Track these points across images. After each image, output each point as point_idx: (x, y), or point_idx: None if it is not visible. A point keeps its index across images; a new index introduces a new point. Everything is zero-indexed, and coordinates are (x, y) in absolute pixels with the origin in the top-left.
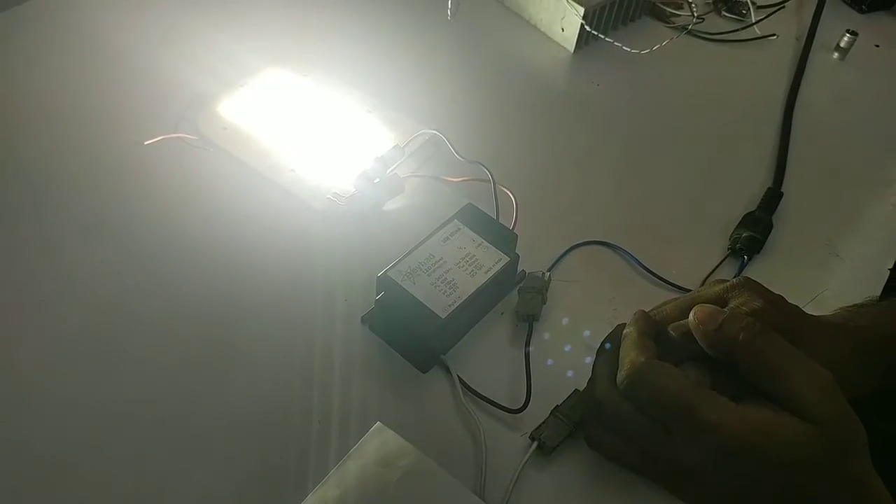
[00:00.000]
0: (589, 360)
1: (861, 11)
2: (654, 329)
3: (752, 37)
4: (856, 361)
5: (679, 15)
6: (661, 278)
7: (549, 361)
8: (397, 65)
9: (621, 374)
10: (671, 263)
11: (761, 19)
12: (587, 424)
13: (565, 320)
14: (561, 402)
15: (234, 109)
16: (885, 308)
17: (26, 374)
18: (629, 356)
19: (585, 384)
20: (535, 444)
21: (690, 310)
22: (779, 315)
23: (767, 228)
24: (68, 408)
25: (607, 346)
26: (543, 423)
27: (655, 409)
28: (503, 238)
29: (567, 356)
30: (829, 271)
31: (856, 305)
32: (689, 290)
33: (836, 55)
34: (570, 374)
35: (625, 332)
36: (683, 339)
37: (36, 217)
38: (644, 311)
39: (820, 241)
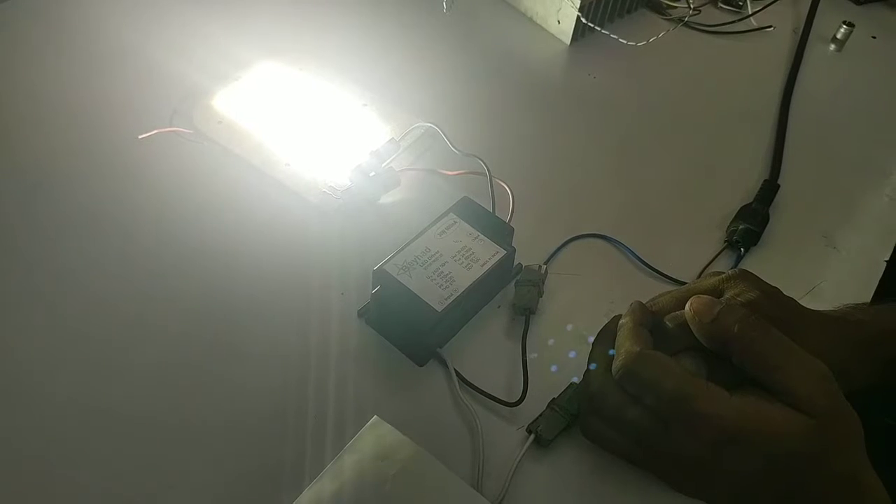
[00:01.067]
0: (585, 353)
1: (858, 3)
2: (651, 319)
3: (749, 28)
4: (854, 355)
5: (675, 7)
6: (657, 271)
7: (554, 368)
8: (393, 58)
9: (616, 364)
10: (668, 256)
11: (758, 11)
12: (583, 415)
13: (569, 325)
14: (558, 394)
15: (228, 103)
16: (886, 304)
17: (20, 371)
18: (624, 346)
19: (582, 376)
20: (532, 436)
21: (687, 301)
22: (775, 306)
23: (764, 220)
24: (64, 404)
25: (603, 336)
26: (540, 415)
27: (650, 399)
28: (500, 231)
29: (564, 349)
30: (826, 263)
31: (860, 303)
32: (686, 283)
33: (832, 47)
34: (569, 360)
35: (621, 322)
36: (679, 330)
37: (29, 212)
38: (640, 302)
39: (816, 232)
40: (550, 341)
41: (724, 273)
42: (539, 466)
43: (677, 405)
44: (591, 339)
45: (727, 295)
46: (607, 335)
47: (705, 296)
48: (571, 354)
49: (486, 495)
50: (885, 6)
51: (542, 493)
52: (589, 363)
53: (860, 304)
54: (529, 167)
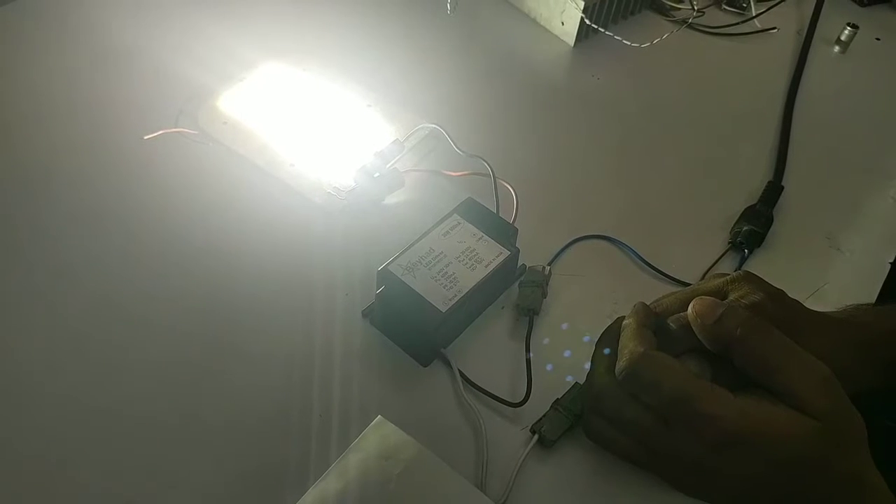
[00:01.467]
0: (587, 354)
1: (862, 5)
2: (654, 321)
3: (753, 30)
4: (857, 357)
5: (679, 8)
6: (661, 272)
7: (549, 367)
8: (397, 59)
9: (620, 365)
10: (672, 257)
11: (762, 13)
12: (587, 415)
13: (565, 324)
14: (561, 395)
15: (233, 104)
16: (889, 306)
17: (20, 371)
18: (628, 347)
19: (585, 377)
20: (536, 437)
21: (690, 302)
22: (778, 309)
23: (768, 222)
24: (64, 404)
25: (606, 337)
26: (544, 416)
27: (654, 400)
28: (503, 232)
29: (566, 350)
30: (830, 265)
31: (863, 304)
32: (690, 285)
33: (836, 49)
34: (573, 361)
35: (624, 322)
36: (683, 332)
37: (34, 212)
38: (644, 303)
39: (820, 234)
40: (545, 341)
41: (728, 275)
42: (543, 467)
43: (680, 406)
44: (588, 339)
45: (731, 297)
46: (611, 336)
47: (708, 297)
48: (572, 351)
49: (489, 495)
50: (889, 8)
51: (545, 494)
52: (592, 364)
53: (863, 306)
54: (533, 168)
